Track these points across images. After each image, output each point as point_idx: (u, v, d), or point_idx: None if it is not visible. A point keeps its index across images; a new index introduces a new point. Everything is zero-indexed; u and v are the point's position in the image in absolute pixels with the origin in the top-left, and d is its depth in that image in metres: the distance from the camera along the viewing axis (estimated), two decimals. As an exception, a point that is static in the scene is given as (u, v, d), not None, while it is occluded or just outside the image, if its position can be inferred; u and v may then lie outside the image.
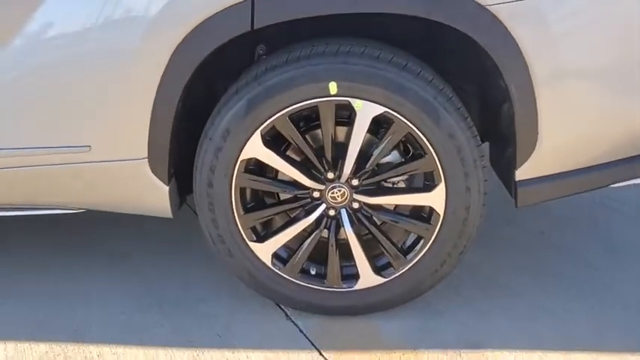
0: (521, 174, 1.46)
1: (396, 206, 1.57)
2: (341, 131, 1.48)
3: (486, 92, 1.54)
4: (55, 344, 1.53)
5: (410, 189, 1.55)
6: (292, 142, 1.47)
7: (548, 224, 2.06)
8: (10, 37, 1.40)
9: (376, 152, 1.46)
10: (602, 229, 2.03)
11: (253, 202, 1.56)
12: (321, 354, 1.50)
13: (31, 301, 1.70)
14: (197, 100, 1.54)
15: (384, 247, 1.54)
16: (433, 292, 1.62)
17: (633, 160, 1.52)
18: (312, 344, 1.53)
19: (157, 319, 1.63)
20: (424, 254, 1.52)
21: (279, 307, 1.66)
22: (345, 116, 1.46)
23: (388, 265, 1.56)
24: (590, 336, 1.53)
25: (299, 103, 1.39)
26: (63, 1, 1.39)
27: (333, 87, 1.36)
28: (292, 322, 1.62)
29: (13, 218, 1.68)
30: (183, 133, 1.52)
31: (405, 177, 1.54)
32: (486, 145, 1.67)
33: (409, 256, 1.54)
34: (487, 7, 1.27)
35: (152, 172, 1.48)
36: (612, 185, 1.55)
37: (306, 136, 1.48)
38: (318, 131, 1.47)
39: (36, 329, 1.58)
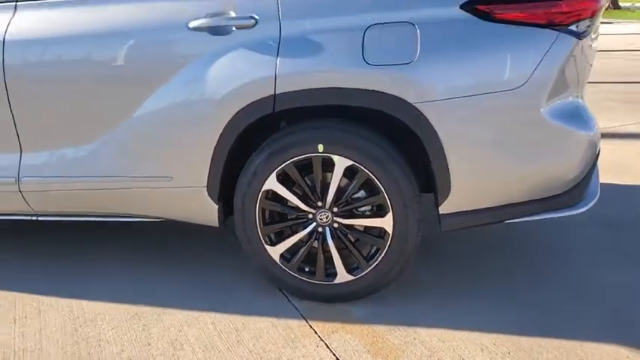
0: (442, 210, 2.22)
1: (365, 227, 2.35)
2: (326, 175, 2.28)
3: (421, 156, 2.30)
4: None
5: (371, 215, 2.32)
6: (296, 180, 2.29)
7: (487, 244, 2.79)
8: (137, 104, 2.27)
9: (349, 189, 2.25)
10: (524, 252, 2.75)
11: (270, 219, 2.37)
12: (307, 322, 2.27)
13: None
14: (240, 151, 2.38)
15: (354, 255, 2.31)
16: (388, 289, 2.37)
17: (524, 203, 2.25)
18: (302, 316, 2.30)
19: (205, 300, 2.45)
20: (380, 260, 2.28)
21: (282, 292, 2.44)
22: (329, 166, 2.27)
23: (357, 267, 2.33)
24: (513, 324, 2.24)
25: (300, 156, 2.20)
26: (170, 85, 2.24)
27: (320, 147, 2.18)
28: (290, 302, 2.40)
29: (121, 223, 2.56)
30: (229, 171, 2.36)
31: (368, 207, 2.32)
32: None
33: (370, 262, 2.29)
34: (414, 104, 2.07)
35: (208, 195, 2.33)
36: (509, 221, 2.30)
37: (305, 177, 2.30)
38: (312, 175, 2.28)
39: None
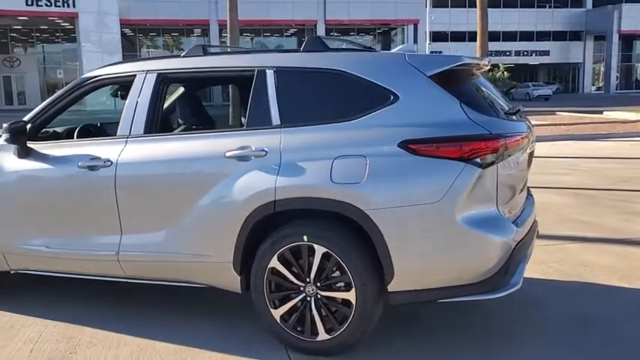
0: (389, 288, 3.02)
1: (342, 299, 3.19)
2: (311, 259, 3.19)
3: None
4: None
5: (342, 289, 3.15)
6: (290, 261, 3.23)
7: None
8: (192, 205, 3.40)
9: (326, 269, 3.15)
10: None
11: (275, 288, 3.30)
12: (292, 366, 3.13)
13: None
14: (254, 239, 3.37)
15: (331, 319, 3.17)
16: (363, 346, 3.17)
17: (453, 287, 3.00)
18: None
19: (229, 344, 3.40)
20: (349, 324, 3.10)
21: (284, 347, 3.33)
22: (312, 252, 3.17)
23: (332, 328, 3.17)
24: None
25: (292, 244, 3.15)
26: (212, 193, 3.35)
27: (305, 238, 3.13)
28: (287, 353, 3.27)
29: (165, 286, 3.64)
30: (248, 253, 3.35)
31: (341, 283, 3.17)
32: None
33: (342, 325, 3.13)
34: (364, 210, 2.97)
35: (234, 268, 3.34)
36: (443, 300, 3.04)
37: (298, 260, 3.23)
38: (304, 260, 3.21)
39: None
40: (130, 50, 41.10)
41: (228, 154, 3.29)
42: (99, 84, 3.93)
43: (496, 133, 2.99)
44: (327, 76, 3.27)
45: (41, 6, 33.73)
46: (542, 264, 4.64)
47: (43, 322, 3.75)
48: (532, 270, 4.27)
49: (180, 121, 4.22)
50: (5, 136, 3.75)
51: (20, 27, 39.23)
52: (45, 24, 38.27)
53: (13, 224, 3.88)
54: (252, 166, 3.23)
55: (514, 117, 3.48)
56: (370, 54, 3.52)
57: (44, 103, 3.98)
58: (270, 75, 3.36)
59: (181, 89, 4.62)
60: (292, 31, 45.74)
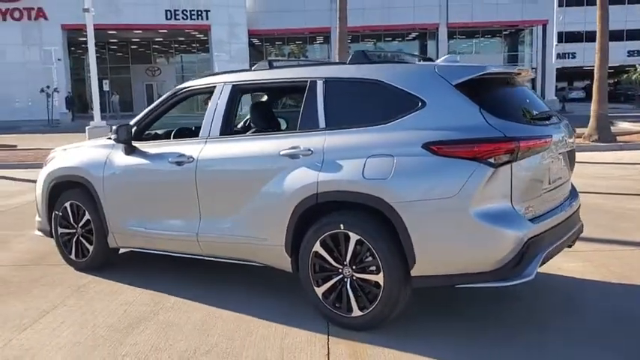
0: (412, 273, 3.42)
1: (373, 280, 3.62)
2: (347, 245, 3.65)
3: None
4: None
5: (373, 272, 3.58)
6: (331, 247, 3.72)
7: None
8: (254, 195, 4.01)
9: (360, 254, 3.60)
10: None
11: (318, 269, 3.81)
12: (328, 336, 3.62)
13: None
14: (302, 226, 3.88)
15: (363, 298, 3.62)
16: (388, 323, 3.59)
17: (471, 274, 3.33)
18: (328, 333, 3.65)
19: (259, 310, 3.96)
20: (378, 303, 3.54)
21: (326, 321, 3.82)
22: (348, 239, 3.63)
23: (364, 306, 3.61)
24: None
25: (331, 231, 3.65)
26: (270, 184, 3.94)
27: (342, 227, 3.62)
28: (327, 325, 3.76)
29: (236, 264, 4.27)
30: (298, 238, 3.87)
31: (372, 267, 3.60)
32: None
33: (372, 304, 3.57)
34: (389, 203, 3.39)
35: (285, 251, 3.90)
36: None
37: (337, 245, 3.71)
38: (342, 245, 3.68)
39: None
40: (258, 58, 43.40)
41: (282, 152, 3.85)
42: (189, 93, 4.69)
43: (511, 136, 3.28)
44: (365, 85, 3.74)
45: (178, 20, 36.85)
46: None
47: (139, 290, 4.56)
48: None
49: (252, 124, 4.88)
50: (114, 136, 4.62)
51: (161, 39, 42.99)
52: (182, 36, 41.64)
53: (121, 209, 4.74)
54: (300, 163, 3.77)
55: (545, 122, 3.72)
56: (404, 65, 3.94)
57: (146, 110, 4.82)
58: (320, 85, 3.88)
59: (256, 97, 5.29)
60: (414, 35, 45.75)
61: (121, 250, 5.23)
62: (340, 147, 3.66)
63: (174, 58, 45.92)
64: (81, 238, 5.01)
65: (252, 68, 4.42)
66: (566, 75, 52.67)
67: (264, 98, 5.51)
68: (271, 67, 4.29)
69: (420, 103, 3.51)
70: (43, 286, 4.69)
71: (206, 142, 4.32)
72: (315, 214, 3.78)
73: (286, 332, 3.69)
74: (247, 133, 4.61)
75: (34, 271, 5.12)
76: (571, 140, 3.99)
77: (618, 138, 15.85)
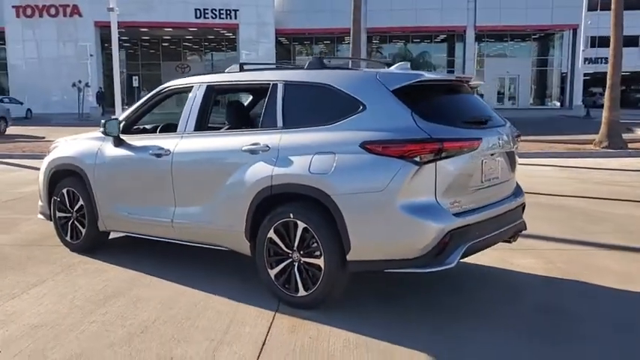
0: (348, 257, 3.81)
1: (314, 264, 4.01)
2: (295, 232, 4.06)
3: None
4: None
5: (316, 256, 3.97)
6: (283, 234, 4.13)
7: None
8: (218, 186, 4.45)
9: (306, 240, 4.00)
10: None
11: (272, 254, 4.22)
12: (275, 312, 4.03)
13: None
14: (259, 215, 4.30)
15: (308, 280, 4.02)
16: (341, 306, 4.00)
17: (398, 260, 3.70)
18: (277, 310, 4.07)
19: (222, 289, 4.40)
20: (320, 284, 3.94)
21: (277, 299, 4.24)
22: (296, 226, 4.04)
23: (308, 287, 4.02)
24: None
25: (283, 219, 4.06)
26: (232, 177, 4.35)
27: (291, 216, 4.03)
28: (277, 301, 4.18)
29: (207, 249, 4.72)
30: (255, 225, 4.29)
31: (317, 252, 4.00)
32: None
33: (315, 285, 3.97)
34: (329, 194, 3.79)
35: (245, 237, 4.33)
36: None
37: (288, 232, 4.12)
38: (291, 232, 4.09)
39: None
40: (285, 57, 44.11)
41: (244, 148, 4.29)
42: (171, 92, 5.17)
43: (436, 137, 3.65)
44: (319, 89, 4.14)
45: (207, 18, 37.73)
46: None
47: (122, 269, 5.04)
48: None
49: (225, 121, 5.34)
50: (102, 129, 5.12)
51: (191, 37, 43.96)
52: (211, 34, 42.53)
53: (109, 196, 5.24)
54: (258, 158, 4.19)
55: (480, 125, 4.07)
56: (352, 72, 4.33)
57: (134, 106, 5.31)
58: (280, 87, 4.30)
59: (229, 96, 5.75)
60: (442, 37, 45.75)
61: (114, 235, 5.72)
62: (293, 144, 4.07)
63: (204, 56, 46.86)
64: (75, 221, 5.52)
65: (226, 70, 4.86)
66: (600, 80, 51.95)
67: (238, 97, 5.97)
68: (242, 70, 4.73)
69: (361, 107, 3.90)
70: (39, 263, 5.21)
71: (182, 136, 4.78)
72: (270, 204, 4.19)
73: (239, 308, 4.12)
74: (221, 130, 5.06)
75: (34, 250, 5.67)
76: (511, 143, 4.32)
77: (630, 145, 15.84)
